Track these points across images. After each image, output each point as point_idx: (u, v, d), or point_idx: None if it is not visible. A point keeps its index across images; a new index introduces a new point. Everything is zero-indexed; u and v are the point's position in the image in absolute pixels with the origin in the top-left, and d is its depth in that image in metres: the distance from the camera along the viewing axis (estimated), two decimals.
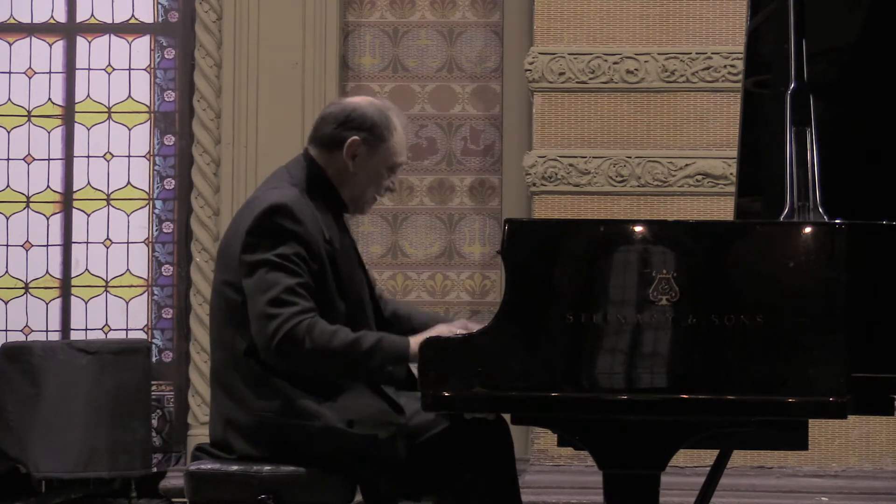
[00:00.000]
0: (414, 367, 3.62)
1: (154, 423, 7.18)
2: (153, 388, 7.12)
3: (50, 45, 7.48)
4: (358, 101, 4.01)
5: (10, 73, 7.46)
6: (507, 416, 3.70)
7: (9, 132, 7.44)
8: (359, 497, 3.86)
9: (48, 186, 7.44)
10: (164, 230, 7.39)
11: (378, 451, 3.76)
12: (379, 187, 3.97)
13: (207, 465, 3.78)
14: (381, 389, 3.85)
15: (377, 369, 3.71)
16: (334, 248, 3.84)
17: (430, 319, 4.09)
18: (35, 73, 7.47)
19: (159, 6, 7.46)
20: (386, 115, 3.95)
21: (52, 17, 7.49)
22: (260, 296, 3.70)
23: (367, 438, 3.75)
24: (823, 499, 6.31)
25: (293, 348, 3.66)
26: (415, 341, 3.63)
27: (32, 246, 7.43)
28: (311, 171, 3.93)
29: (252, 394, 3.76)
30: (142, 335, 7.33)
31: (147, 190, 7.40)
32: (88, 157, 7.42)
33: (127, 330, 7.37)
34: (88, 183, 7.42)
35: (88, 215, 7.41)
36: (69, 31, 7.48)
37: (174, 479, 6.91)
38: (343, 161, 3.92)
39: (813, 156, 3.58)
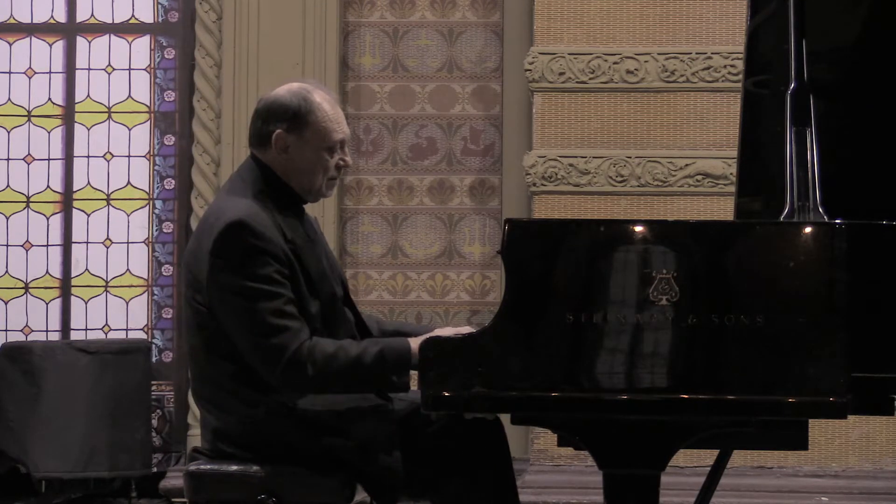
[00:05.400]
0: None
1: (154, 423, 7.18)
2: (153, 388, 7.12)
3: (50, 45, 7.47)
4: (277, 90, 3.86)
5: (10, 73, 7.46)
6: (506, 416, 3.70)
7: (9, 132, 7.44)
8: (359, 497, 3.86)
9: (48, 186, 7.43)
10: (164, 230, 7.39)
11: (366, 423, 3.75)
12: (327, 170, 3.82)
13: (207, 466, 3.78)
14: None
15: (383, 381, 3.71)
16: (297, 247, 3.74)
17: (421, 329, 4.03)
18: (35, 73, 7.47)
19: (159, 6, 7.46)
20: (304, 97, 3.79)
21: (52, 17, 7.48)
22: (247, 331, 3.64)
23: (353, 415, 3.74)
24: (823, 499, 6.31)
25: (298, 378, 3.64)
26: (416, 344, 3.60)
27: (32, 246, 7.42)
28: (260, 172, 3.81)
29: (236, 400, 3.73)
30: (142, 335, 7.33)
31: (147, 190, 7.40)
32: (88, 157, 7.42)
33: (127, 330, 7.37)
34: (88, 183, 7.42)
35: (88, 215, 7.40)
36: (69, 31, 7.47)
37: (174, 479, 6.91)
38: (278, 156, 3.81)
39: (813, 156, 3.58)
